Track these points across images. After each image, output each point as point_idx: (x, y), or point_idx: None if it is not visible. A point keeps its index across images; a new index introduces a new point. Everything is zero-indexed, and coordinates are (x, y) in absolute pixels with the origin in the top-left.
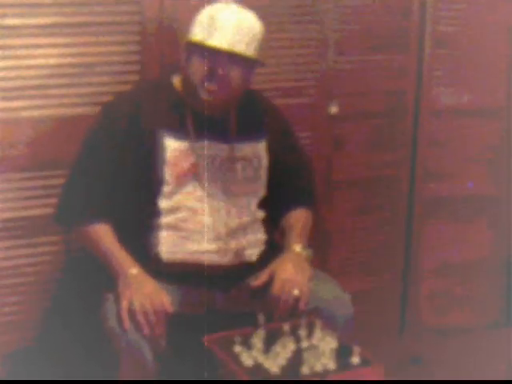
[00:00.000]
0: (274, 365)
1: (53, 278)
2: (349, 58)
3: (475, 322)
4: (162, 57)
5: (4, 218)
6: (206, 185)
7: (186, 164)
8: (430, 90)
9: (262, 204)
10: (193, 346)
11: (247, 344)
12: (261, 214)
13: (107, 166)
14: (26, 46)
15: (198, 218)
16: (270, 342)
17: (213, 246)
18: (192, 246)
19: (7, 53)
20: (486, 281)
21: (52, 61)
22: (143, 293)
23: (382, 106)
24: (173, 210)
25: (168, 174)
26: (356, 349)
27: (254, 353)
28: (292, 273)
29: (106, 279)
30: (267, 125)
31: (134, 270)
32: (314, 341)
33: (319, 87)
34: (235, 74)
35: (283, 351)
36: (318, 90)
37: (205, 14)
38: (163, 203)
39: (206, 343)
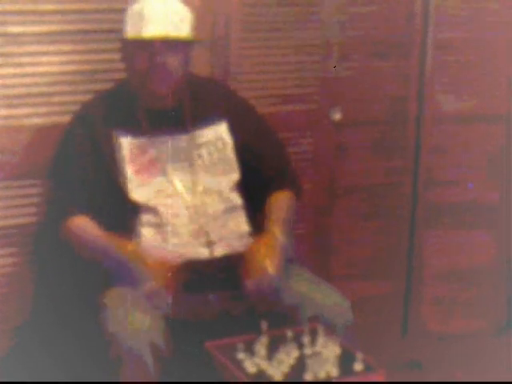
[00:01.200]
0: (278, 372)
1: (48, 285)
2: (351, 64)
3: (477, 328)
4: None
5: (3, 226)
6: (175, 178)
7: (144, 159)
8: (432, 96)
9: (240, 192)
10: (196, 350)
11: (250, 351)
12: (238, 200)
13: (78, 170)
14: (29, 54)
15: (174, 211)
16: (273, 349)
17: (194, 239)
18: (173, 241)
19: (10, 60)
20: (488, 287)
21: (54, 68)
22: (152, 269)
23: (385, 112)
24: (148, 207)
25: (129, 170)
26: (359, 355)
27: (258, 359)
28: (263, 257)
29: (102, 284)
30: (225, 107)
31: (130, 247)
32: (317, 347)
33: (322, 94)
34: (174, 59)
35: (286, 358)
36: (321, 97)
37: (131, 11)
38: (137, 200)
39: (208, 349)
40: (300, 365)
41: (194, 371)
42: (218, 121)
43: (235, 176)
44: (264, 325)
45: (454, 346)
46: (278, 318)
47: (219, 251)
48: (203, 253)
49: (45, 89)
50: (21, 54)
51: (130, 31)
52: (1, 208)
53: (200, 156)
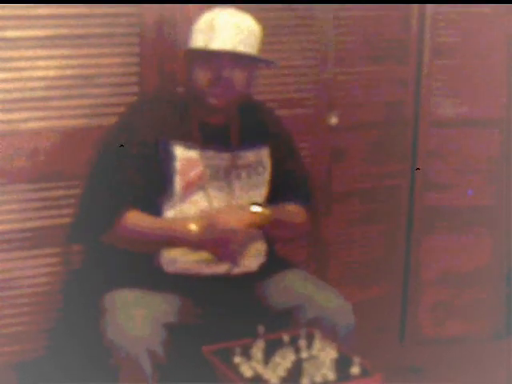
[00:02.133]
0: (274, 376)
1: (53, 290)
2: (348, 68)
3: (475, 332)
4: (161, 68)
5: (4, 230)
6: (211, 195)
7: (193, 173)
8: (429, 100)
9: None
10: (192, 356)
11: (247, 355)
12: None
13: (121, 176)
14: (26, 58)
15: None
16: (269, 353)
17: (213, 256)
18: (193, 256)
19: (7, 65)
20: (485, 291)
21: (52, 73)
22: (228, 235)
23: (382, 116)
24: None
25: (178, 183)
26: (356, 359)
27: (254, 364)
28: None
29: (106, 289)
30: (269, 132)
31: (193, 227)
32: (314, 351)
33: (319, 98)
34: (240, 75)
35: (283, 362)
36: (318, 101)
37: (203, 21)
38: (168, 212)
39: (205, 354)
40: (296, 369)
41: (191, 376)
42: (262, 145)
43: (263, 197)
44: (261, 329)
45: (452, 350)
46: (276, 322)
47: (227, 270)
48: (219, 270)
49: (42, 93)
50: (18, 59)
51: (199, 41)
52: (2, 213)
53: (239, 177)
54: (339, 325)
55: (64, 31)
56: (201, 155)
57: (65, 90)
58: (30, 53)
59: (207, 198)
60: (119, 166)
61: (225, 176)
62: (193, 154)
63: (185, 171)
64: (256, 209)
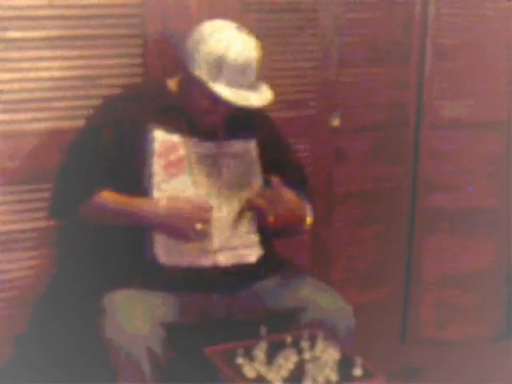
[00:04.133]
0: (277, 377)
1: (49, 292)
2: (350, 70)
3: (476, 334)
4: (164, 69)
5: (4, 231)
6: (198, 182)
7: (174, 156)
8: (431, 102)
9: None
10: (194, 356)
11: (249, 356)
12: (249, 212)
13: (103, 157)
14: (29, 59)
15: None
16: (272, 354)
17: (206, 245)
18: (187, 247)
19: (10, 66)
20: (487, 292)
21: (55, 74)
22: (189, 208)
23: (384, 118)
24: None
25: (156, 165)
26: (358, 360)
27: (257, 365)
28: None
29: (103, 288)
30: (256, 125)
31: (162, 201)
32: (317, 352)
33: (320, 100)
34: (235, 108)
35: (286, 363)
36: (320, 103)
37: (212, 50)
38: (155, 193)
39: (208, 355)
40: (299, 370)
41: (192, 377)
42: (248, 137)
43: (257, 190)
44: (263, 330)
45: (453, 352)
46: (278, 323)
47: (223, 260)
48: (215, 261)
49: (45, 94)
50: (21, 60)
51: (204, 74)
52: (3, 213)
53: (227, 166)
54: (339, 327)
55: (67, 32)
56: (182, 140)
57: (68, 91)
58: (33, 54)
59: (193, 183)
60: (98, 145)
61: (213, 163)
62: (174, 137)
63: (164, 153)
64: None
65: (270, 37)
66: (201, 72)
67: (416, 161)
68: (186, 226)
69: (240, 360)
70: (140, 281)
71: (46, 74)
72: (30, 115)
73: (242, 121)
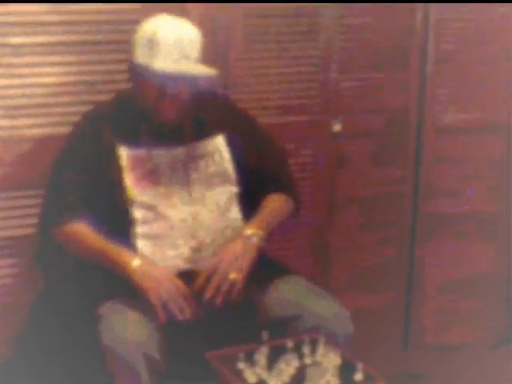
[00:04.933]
0: (278, 382)
1: (43, 298)
2: (351, 75)
3: (478, 339)
4: None
5: (5, 236)
6: (172, 190)
7: (142, 170)
8: (432, 107)
9: (240, 205)
10: (194, 361)
11: (250, 360)
12: (237, 214)
13: (79, 179)
14: (29, 65)
15: (170, 223)
16: (273, 359)
17: (189, 250)
18: (170, 253)
19: (10, 71)
20: (489, 298)
21: (55, 79)
22: (161, 281)
23: (385, 123)
24: (145, 219)
25: (127, 180)
26: (359, 365)
27: (258, 369)
28: (232, 255)
29: (101, 295)
30: (222, 120)
31: (137, 261)
32: (318, 357)
33: (322, 105)
34: (185, 88)
35: (287, 368)
36: (321, 108)
37: (144, 34)
38: (136, 213)
39: (209, 359)
40: (300, 375)
41: (192, 381)
42: (215, 134)
43: (233, 189)
44: (264, 335)
45: (455, 357)
46: (279, 328)
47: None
48: (195, 265)
49: (45, 99)
50: (21, 65)
51: (141, 57)
52: (1, 218)
53: (197, 168)
54: (337, 333)
55: (67, 38)
56: (149, 154)
57: (68, 97)
58: (33, 59)
59: (166, 193)
60: (67, 171)
61: (182, 169)
62: (139, 152)
63: (132, 168)
64: (252, 239)
65: (271, 42)
66: (138, 58)
67: (417, 165)
68: (156, 300)
69: (241, 365)
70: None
71: (45, 80)
72: (29, 121)
73: (207, 118)
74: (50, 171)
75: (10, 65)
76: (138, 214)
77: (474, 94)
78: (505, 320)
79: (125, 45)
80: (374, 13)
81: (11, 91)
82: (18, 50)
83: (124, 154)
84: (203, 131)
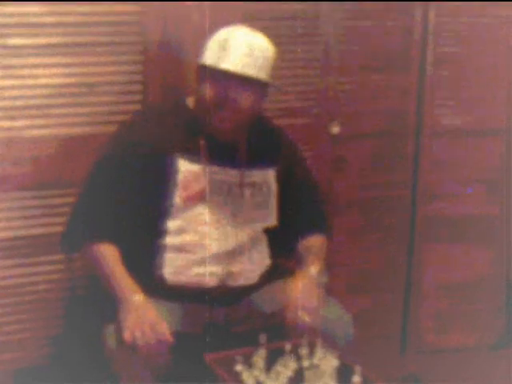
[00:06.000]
0: None
1: (53, 297)
2: (350, 78)
3: (476, 342)
4: (164, 77)
5: (5, 237)
6: (214, 209)
7: (196, 187)
8: (431, 110)
9: (275, 233)
10: (194, 365)
11: (248, 363)
12: (264, 237)
13: (116, 188)
14: (29, 66)
15: (204, 241)
16: (271, 361)
17: (216, 270)
18: (196, 270)
19: (10, 72)
20: (486, 300)
21: (54, 80)
22: (144, 322)
23: (384, 126)
24: (179, 232)
25: (178, 196)
26: (357, 368)
27: (256, 372)
28: (305, 298)
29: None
30: (278, 153)
31: (137, 297)
32: (316, 360)
33: (320, 107)
34: (247, 98)
35: (284, 370)
36: (320, 110)
37: (216, 38)
38: (170, 225)
39: (207, 362)
40: (298, 377)
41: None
42: (269, 165)
43: (271, 222)
44: (262, 337)
45: (453, 360)
46: (277, 331)
47: (231, 283)
48: (222, 284)
49: (44, 101)
50: (21, 66)
51: (210, 58)
52: (3, 220)
53: (243, 195)
54: (338, 335)
55: (67, 39)
56: (205, 169)
57: (67, 98)
58: (32, 60)
59: (209, 213)
60: (111, 181)
61: (229, 193)
62: (196, 167)
63: (186, 184)
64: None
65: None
66: (207, 60)
67: (416, 168)
68: (141, 339)
69: (239, 367)
70: (143, 291)
71: (45, 81)
72: (29, 122)
73: (264, 146)
74: (89, 173)
75: (9, 66)
76: (173, 224)
77: (473, 96)
78: (502, 323)
79: (124, 46)
80: (373, 16)
81: (11, 92)
82: (17, 51)
83: (182, 168)
84: (257, 159)
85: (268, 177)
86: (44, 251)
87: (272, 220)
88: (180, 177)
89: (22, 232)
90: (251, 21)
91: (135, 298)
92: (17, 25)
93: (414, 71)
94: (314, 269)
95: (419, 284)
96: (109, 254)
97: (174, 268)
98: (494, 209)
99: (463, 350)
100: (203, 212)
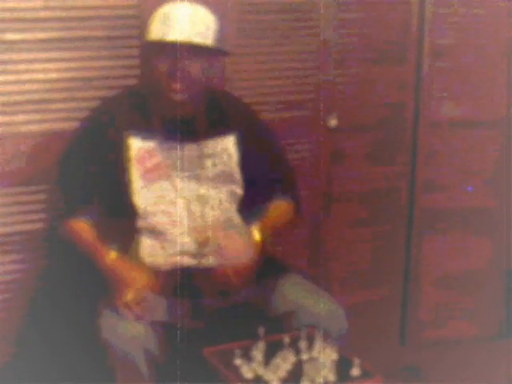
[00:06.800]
0: (275, 377)
1: (44, 293)
2: (347, 70)
3: (475, 334)
4: None
5: (3, 232)
6: (176, 186)
7: (151, 163)
8: (428, 102)
9: (243, 205)
10: (192, 357)
11: (247, 356)
12: (237, 218)
13: (86, 171)
14: (26, 61)
15: (173, 219)
16: (270, 355)
17: (190, 247)
18: (171, 250)
19: (7, 67)
20: (485, 292)
21: (51, 75)
22: (129, 283)
23: (381, 118)
24: (147, 214)
25: (134, 171)
26: (356, 361)
27: (255, 365)
28: (238, 253)
29: (100, 292)
30: (234, 121)
31: (113, 255)
32: (314, 353)
33: (318, 100)
34: (197, 66)
35: (283, 363)
36: (317, 103)
37: (158, 14)
38: (138, 207)
39: (206, 355)
40: (297, 370)
41: (191, 377)
42: (226, 134)
43: (237, 190)
44: (261, 330)
45: (452, 352)
46: (276, 324)
47: (210, 262)
48: (199, 263)
49: (42, 96)
50: (18, 61)
51: (154, 34)
52: (0, 215)
53: (204, 166)
54: (331, 330)
55: (63, 34)
56: (160, 146)
57: (64, 93)
58: (29, 55)
59: (173, 189)
60: (80, 162)
61: (191, 166)
62: (150, 143)
63: (141, 160)
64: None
65: (268, 38)
66: (152, 35)
67: (414, 160)
68: (119, 301)
69: (238, 360)
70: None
71: (42, 76)
72: (26, 117)
73: (220, 115)
74: (58, 165)
75: (6, 61)
76: (141, 206)
77: (470, 88)
78: (501, 314)
79: (121, 40)
80: (370, 8)
81: (7, 87)
82: (14, 46)
83: (133, 144)
84: (215, 129)
85: (227, 144)
86: (40, 247)
87: (237, 188)
88: (132, 153)
89: (20, 227)
90: (248, 13)
91: (112, 256)
92: (13, 20)
93: (411, 63)
94: (256, 229)
95: (418, 276)
96: (83, 230)
97: (149, 250)
98: (492, 200)
99: (463, 342)
100: (167, 189)
